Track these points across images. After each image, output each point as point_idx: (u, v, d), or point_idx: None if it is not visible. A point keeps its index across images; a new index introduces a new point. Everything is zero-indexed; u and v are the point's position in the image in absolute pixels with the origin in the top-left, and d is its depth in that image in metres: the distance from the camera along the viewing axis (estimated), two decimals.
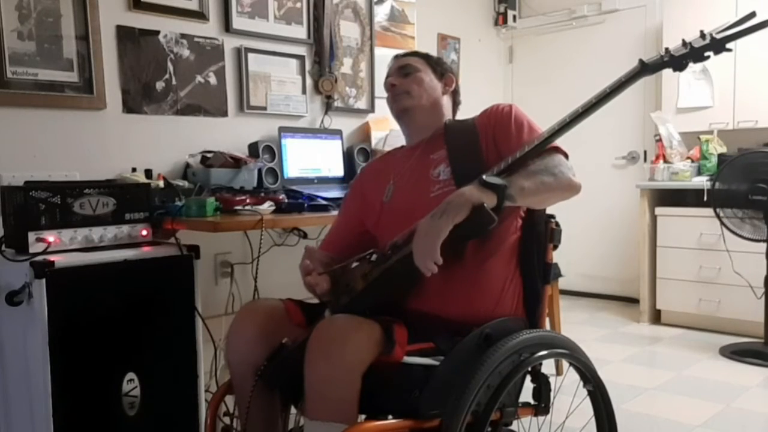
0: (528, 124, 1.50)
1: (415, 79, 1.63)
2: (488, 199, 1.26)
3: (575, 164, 1.46)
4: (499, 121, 1.52)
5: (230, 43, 2.75)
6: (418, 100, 1.62)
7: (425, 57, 1.71)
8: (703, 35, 1.26)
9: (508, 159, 1.37)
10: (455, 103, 1.73)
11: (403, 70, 1.66)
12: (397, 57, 1.74)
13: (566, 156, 1.44)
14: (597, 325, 3.93)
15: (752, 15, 1.26)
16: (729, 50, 1.26)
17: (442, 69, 1.69)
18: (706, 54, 1.26)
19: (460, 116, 1.71)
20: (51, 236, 1.77)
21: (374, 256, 1.44)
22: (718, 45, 1.25)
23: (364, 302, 1.35)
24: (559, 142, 1.41)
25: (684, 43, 1.28)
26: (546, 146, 1.37)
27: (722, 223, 3.29)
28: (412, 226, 1.34)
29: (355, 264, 1.49)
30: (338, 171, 2.94)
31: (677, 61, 1.28)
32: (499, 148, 1.48)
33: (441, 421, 1.25)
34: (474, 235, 1.28)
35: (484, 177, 1.28)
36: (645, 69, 1.30)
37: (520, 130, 1.47)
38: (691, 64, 1.28)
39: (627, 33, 4.46)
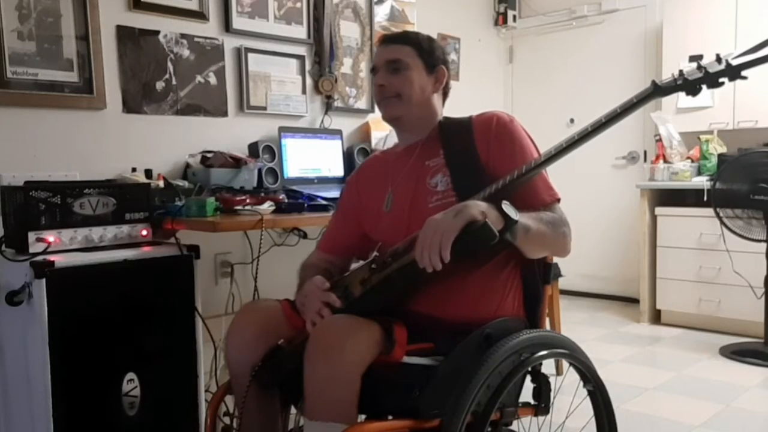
0: (533, 150, 1.47)
1: (405, 79, 1.52)
2: (497, 223, 1.24)
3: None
4: (501, 139, 1.47)
5: (230, 43, 2.75)
6: (407, 107, 1.54)
7: (416, 46, 1.55)
8: (718, 59, 1.23)
9: (510, 175, 1.35)
10: (445, 95, 1.63)
11: (391, 65, 1.54)
12: (385, 41, 1.60)
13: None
14: (597, 325, 3.93)
15: None
16: (744, 78, 1.22)
17: (433, 60, 1.56)
18: (721, 80, 1.23)
19: (455, 113, 1.64)
20: (51, 236, 1.77)
21: (374, 264, 1.43)
22: (734, 72, 1.22)
23: (361, 308, 1.34)
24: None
25: (699, 67, 1.25)
26: (551, 164, 1.35)
27: (723, 224, 3.29)
28: (413, 234, 1.33)
29: (358, 266, 1.49)
30: (338, 171, 2.94)
31: (691, 86, 1.25)
32: (495, 164, 1.44)
33: (441, 421, 1.25)
34: (473, 249, 1.26)
35: (503, 203, 1.26)
36: (657, 91, 1.28)
37: (524, 156, 1.44)
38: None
39: (627, 33, 4.46)
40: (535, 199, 1.41)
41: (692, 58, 3.93)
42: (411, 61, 1.54)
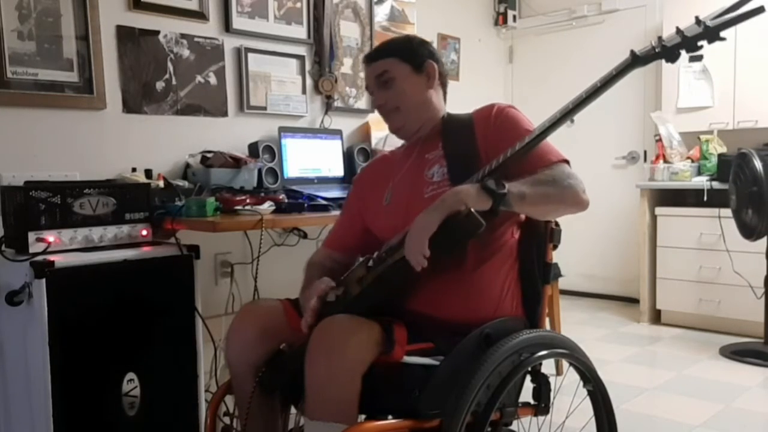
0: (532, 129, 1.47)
1: (397, 91, 1.54)
2: (483, 203, 1.25)
3: (575, 165, 1.46)
4: (502, 127, 1.47)
5: (230, 43, 2.75)
6: (407, 115, 1.56)
7: (396, 52, 1.55)
8: (698, 22, 1.22)
9: (502, 156, 1.35)
10: (443, 86, 1.62)
11: (380, 79, 1.55)
12: (368, 60, 1.60)
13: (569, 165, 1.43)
14: (597, 325, 3.93)
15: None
16: (723, 39, 1.21)
17: (420, 59, 1.55)
18: (700, 43, 1.22)
19: (456, 111, 1.65)
20: (51, 236, 1.77)
21: (371, 261, 1.44)
22: (712, 33, 1.20)
23: (360, 306, 1.35)
24: (558, 141, 1.40)
25: (677, 31, 1.24)
26: (537, 143, 1.35)
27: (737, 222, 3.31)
28: (407, 228, 1.34)
29: (356, 265, 1.49)
30: (338, 171, 2.94)
31: (669, 52, 1.24)
32: (498, 148, 1.42)
33: (441, 421, 1.25)
34: (461, 238, 1.27)
35: (486, 181, 1.26)
36: (636, 61, 1.26)
37: (524, 135, 1.42)
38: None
39: (627, 33, 4.45)
40: (539, 162, 1.39)
41: (692, 58, 3.94)
42: (396, 69, 1.54)
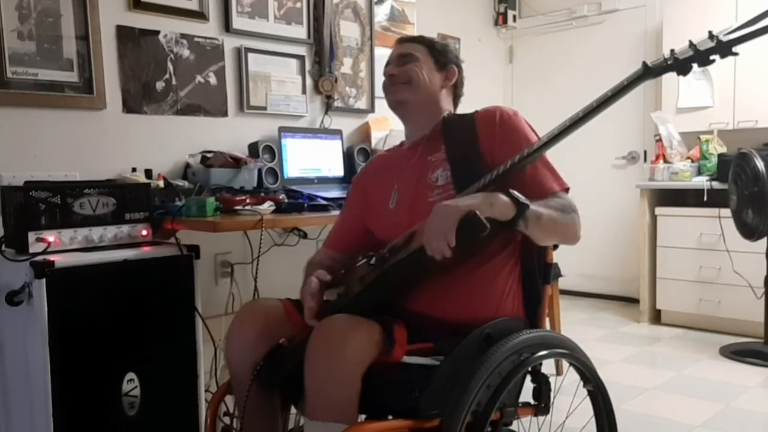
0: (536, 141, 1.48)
1: (415, 69, 1.58)
2: (507, 212, 1.26)
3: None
4: (508, 136, 1.47)
5: (230, 43, 2.75)
6: (414, 93, 1.57)
7: (429, 45, 1.63)
8: (711, 36, 1.23)
9: (510, 161, 1.35)
10: (456, 96, 1.68)
11: (403, 58, 1.60)
12: (400, 41, 1.69)
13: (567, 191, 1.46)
14: (597, 325, 3.93)
15: (765, 15, 1.21)
16: (735, 54, 1.21)
17: (444, 59, 1.63)
18: (712, 57, 1.22)
19: (459, 111, 1.67)
20: (51, 236, 1.77)
21: (374, 259, 1.44)
22: (725, 48, 1.21)
23: (361, 305, 1.35)
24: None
25: (690, 45, 1.24)
26: (545, 150, 1.36)
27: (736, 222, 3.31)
28: (411, 229, 1.34)
29: (359, 264, 1.49)
30: (338, 171, 2.94)
31: (681, 65, 1.24)
32: (501, 157, 1.42)
33: (441, 421, 1.25)
34: (465, 240, 1.27)
35: (511, 191, 1.27)
36: (648, 72, 1.27)
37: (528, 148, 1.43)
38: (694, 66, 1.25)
39: (627, 33, 4.45)
40: (543, 188, 1.41)
41: None
42: (421, 56, 1.61)
